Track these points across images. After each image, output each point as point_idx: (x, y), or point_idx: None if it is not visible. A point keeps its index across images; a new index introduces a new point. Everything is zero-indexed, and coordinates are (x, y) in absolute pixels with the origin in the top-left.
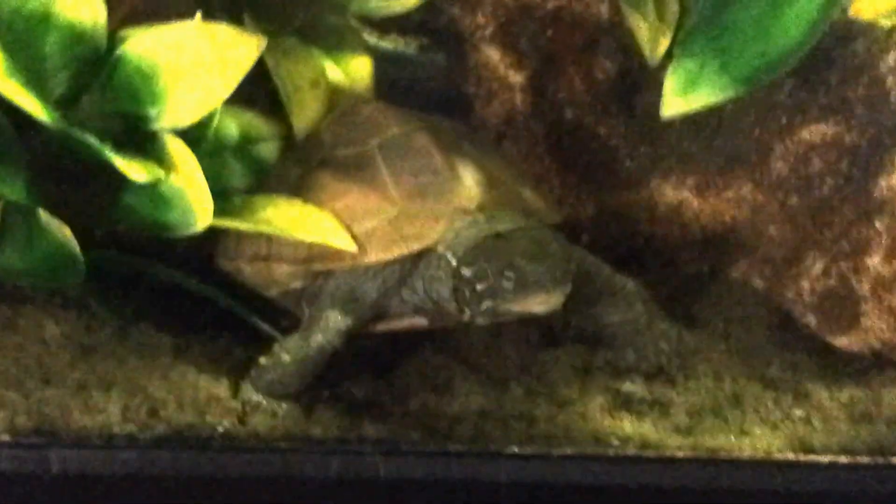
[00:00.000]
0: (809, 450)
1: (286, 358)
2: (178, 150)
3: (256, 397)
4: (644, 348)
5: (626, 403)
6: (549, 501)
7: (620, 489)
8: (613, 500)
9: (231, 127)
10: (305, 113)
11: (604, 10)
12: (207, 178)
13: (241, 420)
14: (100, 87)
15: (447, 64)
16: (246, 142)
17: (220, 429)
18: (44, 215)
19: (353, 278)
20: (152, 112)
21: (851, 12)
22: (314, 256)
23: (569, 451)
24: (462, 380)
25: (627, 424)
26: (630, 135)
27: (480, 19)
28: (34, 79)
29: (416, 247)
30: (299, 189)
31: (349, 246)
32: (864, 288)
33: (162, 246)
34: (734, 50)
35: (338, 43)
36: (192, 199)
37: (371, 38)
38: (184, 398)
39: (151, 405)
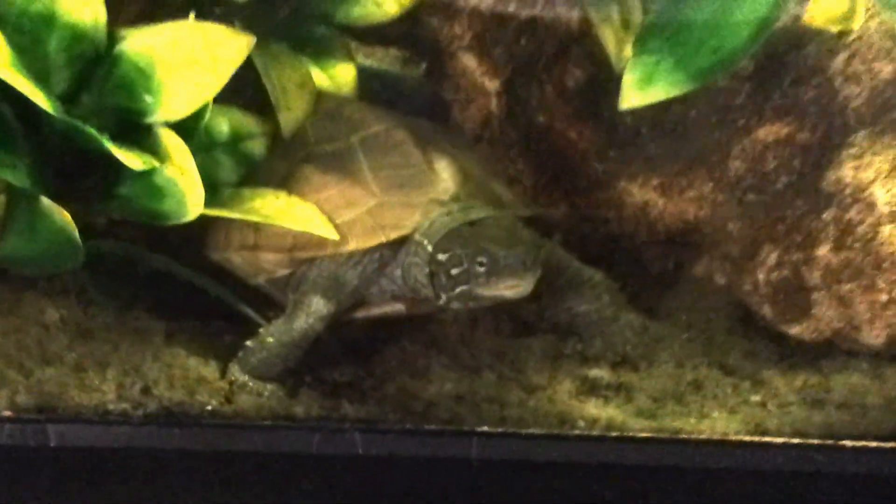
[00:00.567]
0: (764, 432)
1: (271, 341)
2: (171, 141)
3: (243, 378)
4: (611, 337)
5: (592, 389)
6: (516, 478)
7: (584, 467)
8: (577, 477)
9: (223, 124)
10: (292, 112)
11: (573, 20)
12: (200, 172)
13: (228, 399)
14: (99, 83)
15: (427, 72)
16: (236, 138)
17: (209, 407)
18: (46, 202)
19: (335, 266)
20: (148, 106)
21: (805, 19)
22: (298, 245)
23: (535, 431)
24: (438, 366)
25: (594, 408)
26: (599, 138)
27: (457, 29)
28: (39, 75)
29: (393, 235)
30: (285, 182)
31: (331, 234)
32: (815, 278)
33: (157, 236)
34: (688, 47)
35: (324, 50)
36: (185, 189)
37: (357, 57)
38: (174, 378)
39: (144, 384)
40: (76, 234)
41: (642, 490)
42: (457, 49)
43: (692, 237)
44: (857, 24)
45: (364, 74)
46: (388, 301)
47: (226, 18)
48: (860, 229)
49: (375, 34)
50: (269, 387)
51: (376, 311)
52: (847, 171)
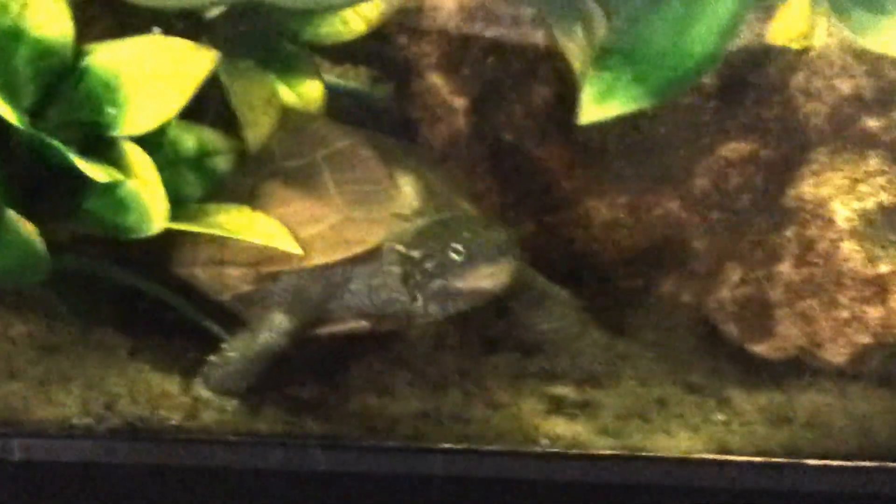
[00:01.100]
0: (727, 451)
1: (234, 356)
2: (136, 155)
3: (206, 393)
4: (576, 355)
5: (557, 406)
6: (479, 495)
7: (546, 484)
8: (541, 495)
9: (189, 141)
10: (258, 129)
11: (540, 38)
12: (166, 188)
13: (192, 414)
14: (66, 97)
15: (396, 91)
16: (202, 155)
17: (172, 422)
18: (12, 214)
19: (298, 281)
20: (113, 120)
21: (768, 38)
22: (262, 260)
23: (498, 448)
24: (404, 384)
25: (558, 426)
26: (566, 157)
27: (425, 48)
28: (6, 89)
29: (356, 250)
30: (251, 198)
31: (294, 249)
32: (777, 295)
33: (123, 252)
34: (647, 63)
35: (291, 68)
36: (149, 203)
37: (327, 77)
38: (138, 394)
39: (108, 399)
40: (42, 247)
41: None
42: (424, 67)
43: (659, 255)
44: (817, 42)
45: (333, 93)
46: (351, 317)
47: (193, 35)
48: (820, 245)
49: (345, 53)
50: (233, 402)
51: (340, 327)
52: (807, 188)
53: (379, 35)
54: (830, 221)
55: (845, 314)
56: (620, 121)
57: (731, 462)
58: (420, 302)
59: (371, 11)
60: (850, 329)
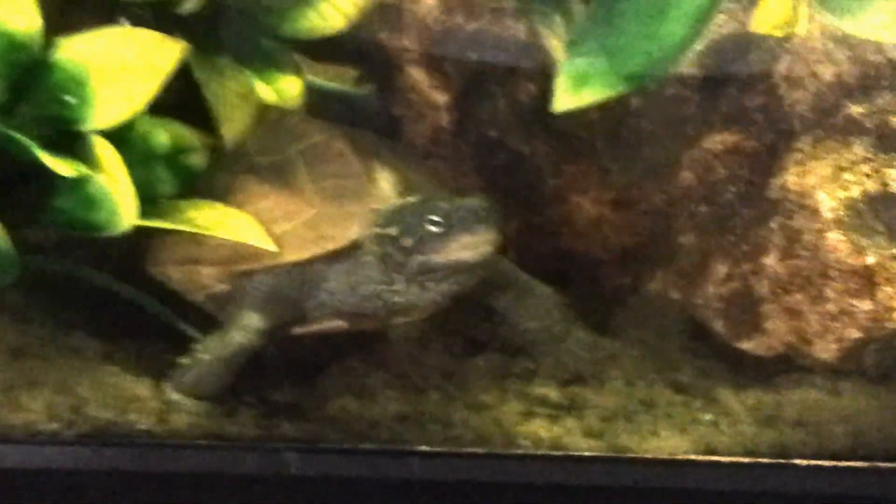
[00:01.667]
0: (714, 452)
1: (205, 357)
2: (104, 150)
3: (177, 397)
4: (560, 354)
5: (541, 408)
6: (457, 499)
7: (529, 487)
8: (521, 498)
9: (162, 136)
10: (234, 125)
11: (521, 31)
12: (139, 185)
13: (162, 418)
14: (34, 92)
15: (378, 89)
16: (176, 151)
17: (142, 426)
18: None
19: (272, 279)
20: (81, 114)
21: (751, 27)
22: (236, 257)
23: (476, 450)
24: (384, 386)
25: (540, 428)
26: (552, 153)
27: (406, 42)
28: None
29: (330, 247)
30: (224, 194)
31: (268, 245)
32: (764, 289)
33: (96, 253)
34: (622, 49)
35: (269, 64)
36: (118, 199)
37: (312, 78)
38: (107, 397)
39: (75, 403)
40: (11, 247)
41: None
42: (405, 63)
43: (645, 252)
44: (800, 29)
45: (314, 92)
46: (328, 316)
47: (166, 29)
48: (806, 237)
49: (326, 49)
50: (205, 406)
51: (317, 327)
52: (791, 178)
53: (361, 31)
54: (815, 212)
55: (833, 308)
56: (605, 115)
57: (719, 463)
58: (400, 285)
59: (349, 6)
60: (839, 323)
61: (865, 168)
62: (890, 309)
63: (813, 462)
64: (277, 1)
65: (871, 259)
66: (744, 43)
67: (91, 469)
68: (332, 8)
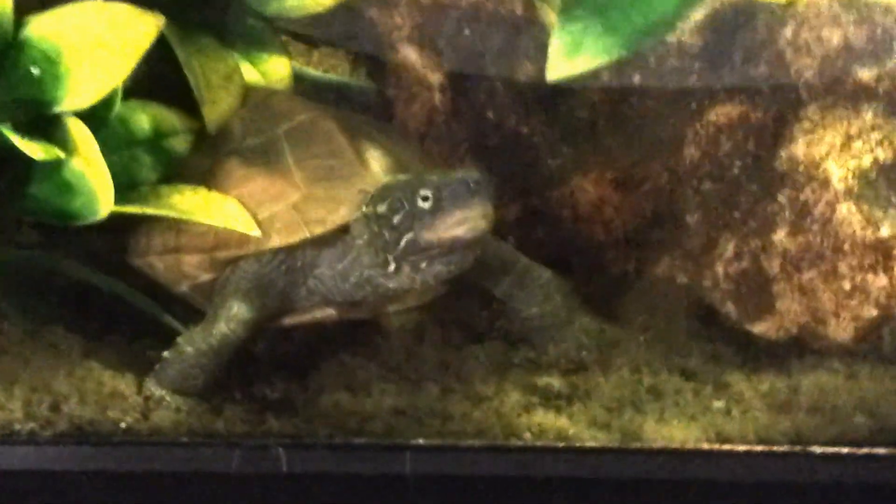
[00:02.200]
0: (727, 441)
1: (189, 350)
2: (78, 132)
3: (160, 392)
4: (564, 342)
5: (543, 398)
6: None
7: (530, 480)
8: (522, 491)
9: (143, 121)
10: (218, 107)
11: (518, 5)
12: (120, 171)
13: (145, 415)
14: (7, 74)
15: (369, 75)
16: (157, 135)
17: (123, 424)
18: None
19: (258, 266)
20: (55, 95)
21: None
22: (219, 244)
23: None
24: (379, 380)
25: (543, 419)
26: (552, 134)
27: (397, 19)
28: None
29: (317, 230)
30: (207, 178)
31: (251, 230)
32: (774, 267)
33: (77, 245)
34: (617, 13)
35: (255, 45)
36: (94, 183)
37: (311, 70)
38: (87, 394)
39: (53, 401)
40: None
41: None
42: (396, 41)
43: (650, 234)
44: None
45: (308, 82)
46: (317, 306)
47: (144, 4)
48: (816, 209)
49: (317, 31)
50: (190, 402)
51: (306, 317)
52: (799, 148)
53: (349, 9)
54: (825, 182)
55: (847, 285)
56: (605, 92)
57: (731, 452)
58: (392, 267)
59: None
60: (854, 301)
61: (876, 135)
62: None
63: (831, 449)
64: None
65: (885, 231)
66: (747, 9)
67: (70, 469)
68: None
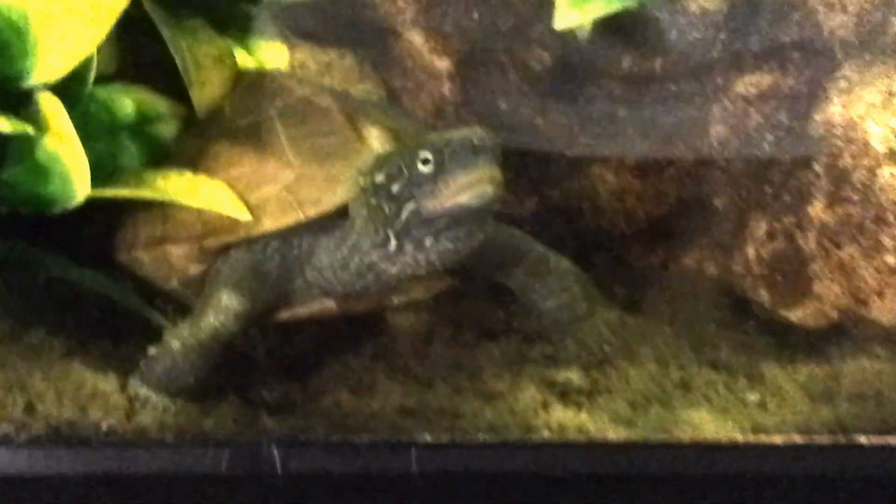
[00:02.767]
0: (763, 432)
1: (176, 346)
2: (50, 106)
3: (145, 391)
4: (584, 336)
5: (562, 395)
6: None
7: (549, 478)
8: (540, 489)
9: (126, 105)
10: (207, 89)
11: None
12: (101, 158)
13: (128, 416)
14: None
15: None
16: (143, 121)
17: (104, 426)
18: None
19: (250, 255)
20: (24, 67)
21: None
22: (207, 231)
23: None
24: (386, 379)
25: (562, 416)
26: (569, 123)
27: (400, 2)
28: None
29: (313, 212)
30: (196, 162)
31: (241, 214)
32: (810, 244)
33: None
34: None
35: (249, 30)
36: (69, 164)
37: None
38: (65, 394)
39: (28, 401)
40: None
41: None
42: (400, 25)
43: (675, 221)
44: None
45: None
46: (315, 298)
47: None
48: (856, 175)
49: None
50: (177, 402)
51: (303, 310)
52: (835, 109)
53: None
54: (865, 145)
55: (891, 259)
56: (624, 73)
57: (769, 445)
58: (394, 245)
59: None
60: None
61: None
62: None
63: (877, 439)
64: None
65: None
66: None
67: (47, 474)
68: None
